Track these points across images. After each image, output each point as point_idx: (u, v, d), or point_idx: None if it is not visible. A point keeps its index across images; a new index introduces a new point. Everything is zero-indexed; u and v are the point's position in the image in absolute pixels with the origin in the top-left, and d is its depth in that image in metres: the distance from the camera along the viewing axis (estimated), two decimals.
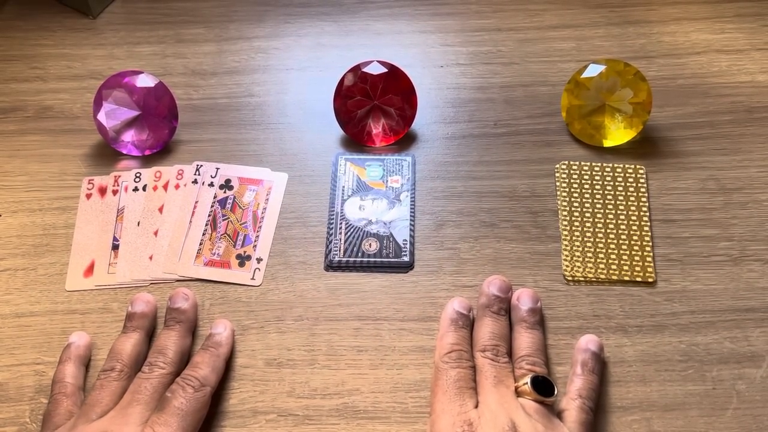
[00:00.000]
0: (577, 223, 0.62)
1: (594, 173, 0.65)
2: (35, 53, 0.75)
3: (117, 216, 0.64)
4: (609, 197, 0.63)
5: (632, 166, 0.65)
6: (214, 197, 0.65)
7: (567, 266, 0.60)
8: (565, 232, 0.62)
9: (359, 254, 0.61)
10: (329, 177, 0.66)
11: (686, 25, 0.75)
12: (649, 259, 0.60)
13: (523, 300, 0.57)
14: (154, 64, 0.74)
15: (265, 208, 0.64)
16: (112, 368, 0.53)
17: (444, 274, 0.60)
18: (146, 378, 0.52)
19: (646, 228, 0.62)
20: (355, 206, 0.64)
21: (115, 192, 0.65)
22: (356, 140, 0.68)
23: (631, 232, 0.61)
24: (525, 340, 0.54)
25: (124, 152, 0.67)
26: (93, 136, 0.68)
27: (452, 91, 0.71)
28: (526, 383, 0.51)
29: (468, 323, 0.56)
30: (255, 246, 0.62)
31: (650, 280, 0.59)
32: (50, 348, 0.58)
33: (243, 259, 0.61)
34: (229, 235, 0.63)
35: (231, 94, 0.72)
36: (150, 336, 0.57)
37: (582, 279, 0.60)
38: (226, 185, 0.65)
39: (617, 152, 0.66)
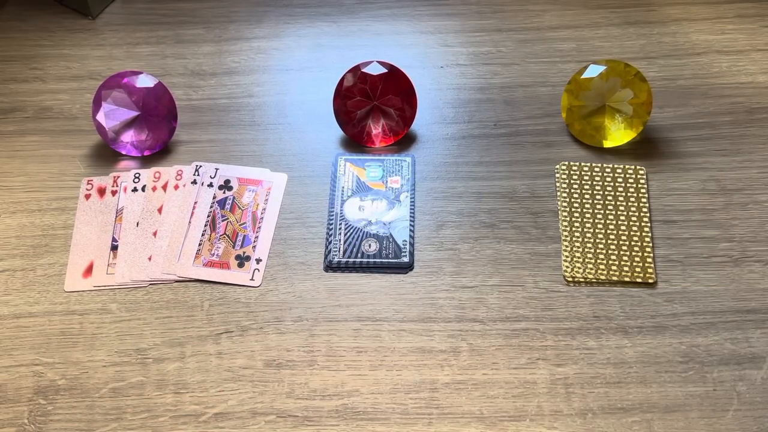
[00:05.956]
0: (577, 224, 0.62)
1: (594, 174, 0.65)
2: (34, 54, 0.75)
3: (116, 216, 0.64)
4: (609, 198, 0.63)
5: (632, 167, 0.65)
6: (214, 198, 0.64)
7: (567, 267, 0.60)
8: (565, 233, 0.62)
9: (359, 255, 0.61)
10: (329, 177, 0.66)
11: (686, 26, 0.75)
12: (649, 260, 0.60)
13: None
14: (153, 65, 0.74)
15: (264, 209, 0.64)
16: None
17: (444, 275, 0.60)
18: None
19: (647, 229, 0.62)
20: (355, 207, 0.64)
21: (114, 192, 0.65)
22: (356, 141, 0.67)
23: (632, 233, 0.61)
24: None
25: (123, 153, 0.67)
26: (92, 136, 0.68)
27: (452, 92, 0.71)
28: None
29: None
30: (254, 247, 0.62)
31: (650, 281, 0.59)
32: (49, 349, 0.57)
33: (242, 260, 0.61)
34: (228, 236, 0.62)
35: (230, 95, 0.71)
36: None
37: (582, 280, 0.60)
38: (226, 186, 0.65)
39: (617, 153, 0.66)
